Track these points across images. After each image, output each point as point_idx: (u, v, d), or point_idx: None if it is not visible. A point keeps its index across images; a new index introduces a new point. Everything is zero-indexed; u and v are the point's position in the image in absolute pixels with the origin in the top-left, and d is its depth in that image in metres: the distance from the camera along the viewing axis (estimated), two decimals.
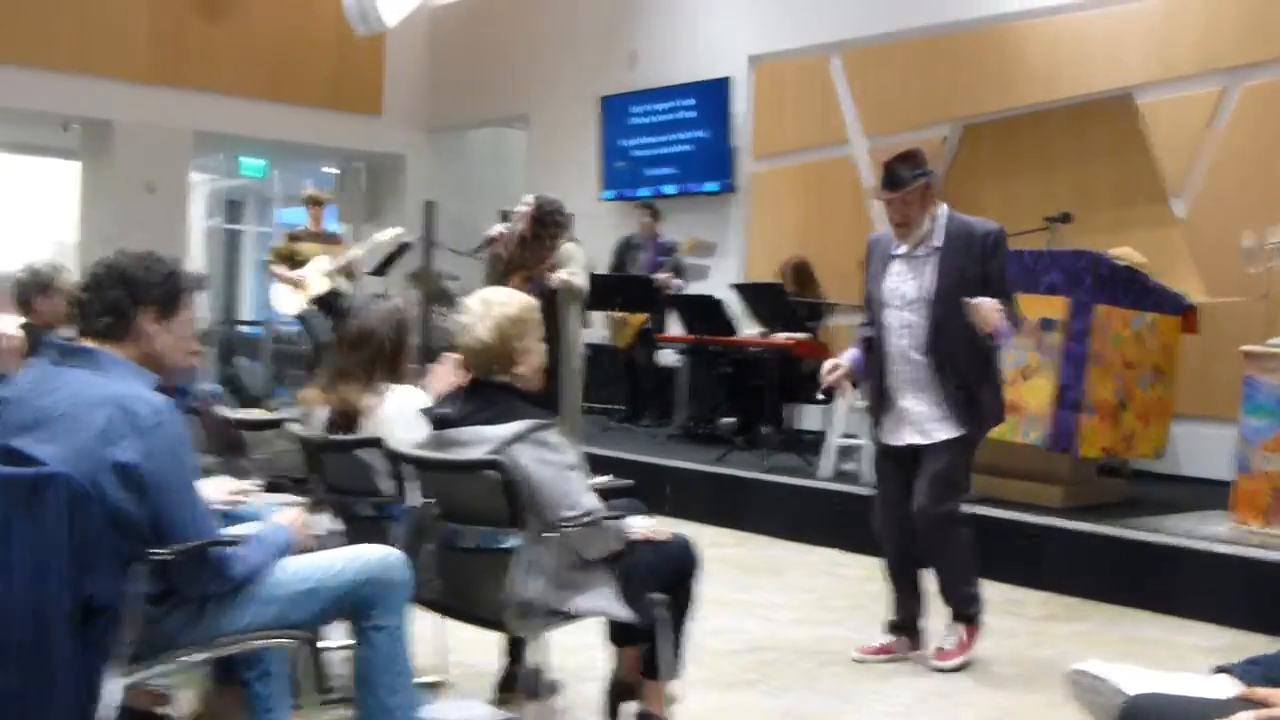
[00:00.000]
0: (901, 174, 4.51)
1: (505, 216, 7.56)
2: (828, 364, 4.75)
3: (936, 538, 4.62)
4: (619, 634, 3.67)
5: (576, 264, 6.25)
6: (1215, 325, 7.06)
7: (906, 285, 4.59)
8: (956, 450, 4.60)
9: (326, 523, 3.17)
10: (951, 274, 4.48)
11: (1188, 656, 4.79)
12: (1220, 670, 2.35)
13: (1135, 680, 2.33)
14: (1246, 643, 4.84)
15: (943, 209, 4.60)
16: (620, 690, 3.71)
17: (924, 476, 4.58)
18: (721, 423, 9.30)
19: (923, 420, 4.60)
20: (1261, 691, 2.08)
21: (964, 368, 4.54)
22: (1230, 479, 6.05)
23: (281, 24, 13.37)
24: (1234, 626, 5.32)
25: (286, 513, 3.10)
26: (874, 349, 4.71)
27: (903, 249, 4.61)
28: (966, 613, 4.72)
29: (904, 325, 4.59)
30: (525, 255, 6.31)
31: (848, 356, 4.74)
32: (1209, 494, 6.66)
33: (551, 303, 5.98)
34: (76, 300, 2.78)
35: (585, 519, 3.23)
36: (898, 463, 4.72)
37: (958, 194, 9.59)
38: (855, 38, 10.02)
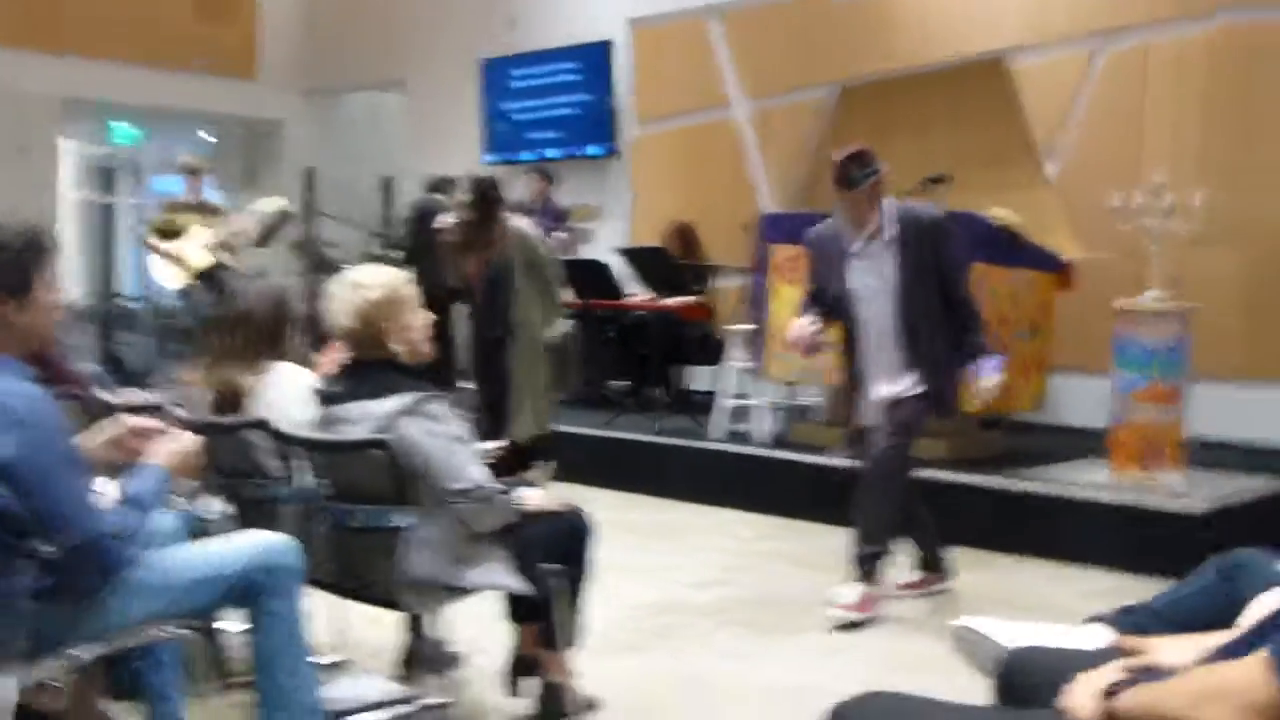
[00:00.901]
0: (854, 174, 4.67)
1: (437, 186, 7.41)
2: (800, 321, 4.87)
3: (876, 482, 4.79)
4: (517, 611, 3.70)
5: (539, 243, 6.10)
6: (1088, 281, 7.27)
7: (870, 279, 4.78)
8: (918, 407, 4.81)
9: (193, 442, 3.00)
10: (909, 264, 4.70)
11: (1070, 602, 4.97)
12: (1093, 620, 2.46)
13: (1013, 634, 2.43)
14: (1126, 585, 5.03)
15: (889, 200, 4.77)
16: (520, 666, 3.75)
17: (883, 425, 4.82)
18: (611, 386, 9.35)
19: (889, 395, 4.83)
20: (1131, 641, 2.18)
21: (935, 350, 4.76)
22: (1103, 428, 6.26)
23: None
24: (1114, 569, 5.52)
25: (158, 450, 2.89)
26: (848, 339, 4.95)
27: (858, 245, 4.79)
28: (872, 571, 4.79)
29: (874, 317, 4.81)
30: (474, 238, 6.11)
31: (812, 322, 4.87)
32: (1086, 443, 6.88)
33: (508, 281, 5.86)
34: None
35: (475, 494, 3.24)
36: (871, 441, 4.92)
37: None
38: (735, 1, 10.06)
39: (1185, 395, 6.02)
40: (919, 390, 4.77)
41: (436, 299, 9.37)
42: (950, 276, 4.78)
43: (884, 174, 4.74)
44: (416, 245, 8.72)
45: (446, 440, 3.25)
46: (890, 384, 4.81)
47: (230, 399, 3.68)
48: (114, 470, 2.87)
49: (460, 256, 6.15)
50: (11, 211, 2.79)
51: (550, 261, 6.00)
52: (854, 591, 4.74)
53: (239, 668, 3.56)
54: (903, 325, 4.77)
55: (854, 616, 4.69)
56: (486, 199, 6.01)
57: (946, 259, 4.77)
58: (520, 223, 6.07)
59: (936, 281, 4.73)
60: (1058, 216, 8.11)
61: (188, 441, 2.91)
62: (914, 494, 5.01)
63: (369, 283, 3.40)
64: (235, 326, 3.74)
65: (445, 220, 6.30)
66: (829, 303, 4.92)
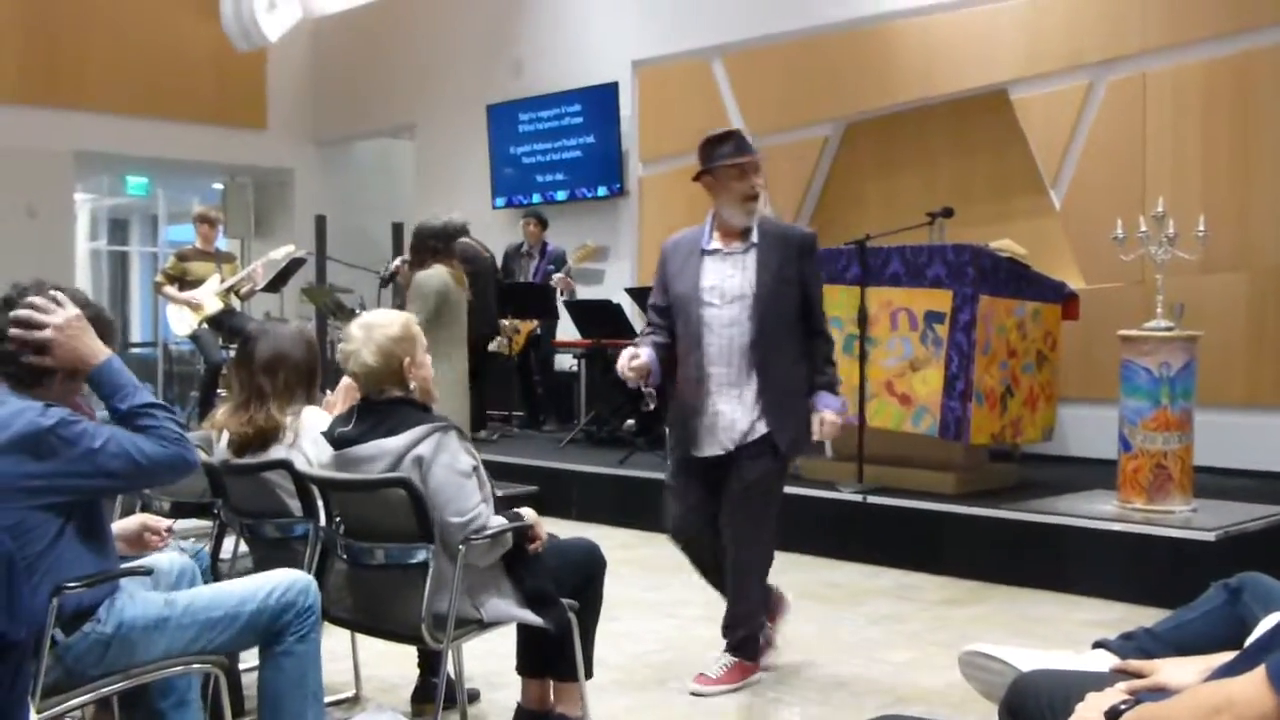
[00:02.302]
0: (747, 142, 4.37)
1: (397, 230, 7.84)
2: (626, 354, 4.28)
3: (743, 555, 4.34)
4: (526, 663, 3.75)
5: (418, 296, 6.31)
6: (1094, 311, 7.32)
7: (727, 282, 4.31)
8: (773, 464, 4.34)
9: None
10: (769, 270, 4.28)
11: (1080, 631, 4.98)
12: (1098, 645, 2.50)
13: (1022, 658, 2.47)
14: (1134, 615, 5.04)
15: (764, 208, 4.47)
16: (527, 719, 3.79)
17: (737, 487, 4.30)
18: (623, 425, 9.40)
19: (735, 426, 4.30)
20: (1135, 664, 2.22)
21: (786, 376, 4.32)
22: (1115, 458, 6.28)
23: (158, 40, 13.17)
24: (1123, 600, 5.54)
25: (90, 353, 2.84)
26: (681, 355, 4.39)
27: (715, 244, 4.36)
28: (746, 645, 4.41)
29: (725, 324, 4.30)
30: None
31: (645, 351, 4.32)
32: (1096, 473, 6.89)
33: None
34: None
35: (473, 526, 3.30)
36: (702, 478, 4.40)
37: (841, 192, 9.83)
38: (736, 40, 10.17)
39: (1193, 423, 6.05)
40: (765, 435, 4.27)
41: (473, 341, 9.58)
42: (811, 293, 4.36)
43: (759, 160, 4.38)
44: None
45: (454, 473, 3.32)
46: (732, 407, 4.30)
47: (256, 438, 3.73)
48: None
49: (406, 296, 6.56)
50: (31, 267, 2.89)
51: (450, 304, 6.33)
52: (723, 663, 4.39)
53: (252, 705, 3.60)
54: (756, 328, 4.27)
55: (715, 689, 4.32)
56: (423, 247, 6.51)
57: (809, 274, 4.37)
58: (423, 275, 6.38)
59: (795, 293, 4.31)
60: (1062, 246, 8.17)
61: (63, 315, 2.81)
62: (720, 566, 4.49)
63: (386, 321, 3.48)
64: (272, 367, 3.79)
65: (398, 262, 6.99)
66: (668, 319, 4.42)
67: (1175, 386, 5.96)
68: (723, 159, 4.33)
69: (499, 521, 3.40)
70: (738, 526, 4.33)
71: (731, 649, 4.41)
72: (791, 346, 4.34)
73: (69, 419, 2.67)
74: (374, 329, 3.44)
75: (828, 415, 4.33)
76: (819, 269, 4.50)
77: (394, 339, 3.42)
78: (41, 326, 2.73)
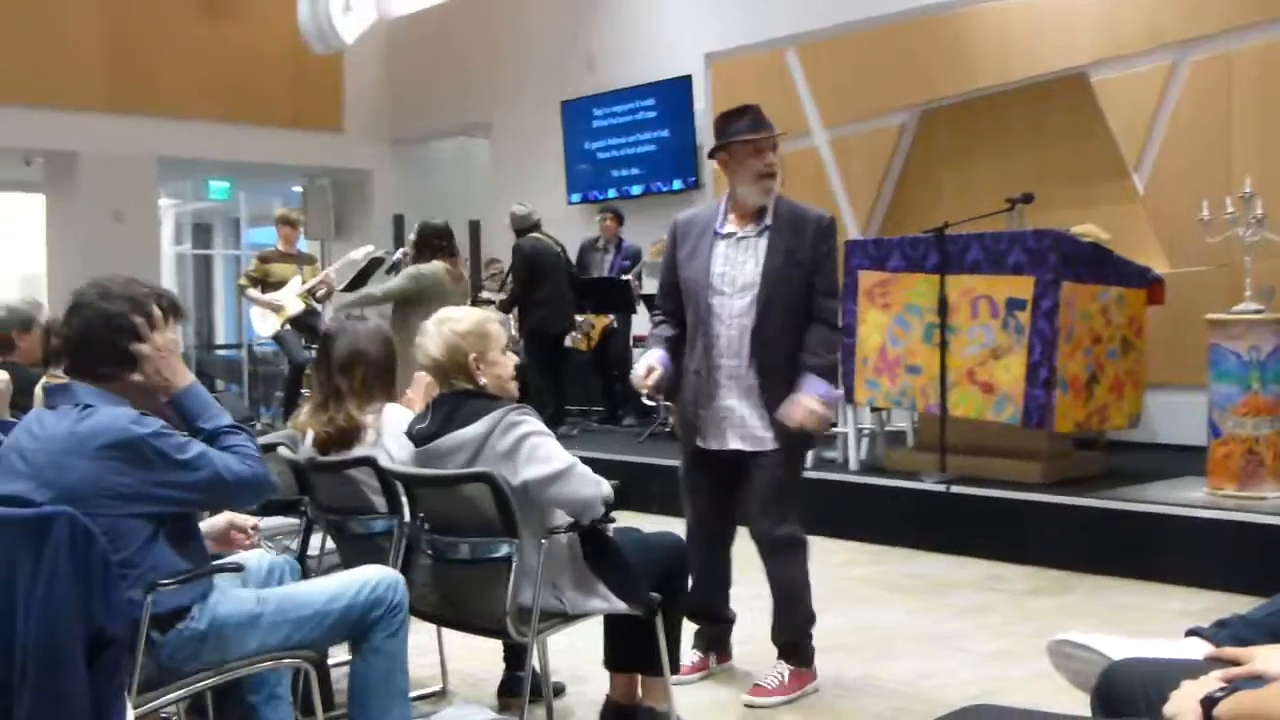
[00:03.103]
0: (764, 118, 4.15)
1: (474, 228, 8.09)
2: (642, 368, 4.17)
3: (780, 563, 4.23)
4: (613, 657, 3.76)
5: (404, 276, 6.98)
6: (1180, 295, 7.17)
7: (739, 270, 4.13)
8: (791, 462, 4.19)
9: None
10: (779, 254, 4.08)
11: (1170, 621, 4.90)
12: (1191, 633, 2.45)
13: (1113, 647, 2.43)
14: (1226, 604, 4.93)
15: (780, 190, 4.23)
16: (615, 715, 3.80)
17: (759, 494, 4.15)
18: None
19: (747, 422, 4.13)
20: (1230, 651, 2.17)
21: (787, 371, 4.08)
22: (1204, 445, 6.16)
23: (239, 45, 13.39)
24: (1214, 589, 5.42)
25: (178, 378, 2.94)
26: (690, 340, 4.22)
27: (730, 227, 4.19)
28: (797, 651, 4.28)
29: (736, 314, 4.11)
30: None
31: (659, 359, 4.19)
32: (1185, 460, 6.78)
33: None
34: (74, 347, 2.82)
35: (572, 470, 3.32)
36: (714, 473, 4.26)
37: (918, 180, 9.74)
38: (809, 30, 10.11)
39: None
40: (786, 444, 4.10)
41: (550, 337, 9.66)
42: (824, 279, 4.14)
43: (775, 138, 4.18)
44: (530, 287, 9.01)
45: (530, 434, 3.32)
46: (742, 403, 4.13)
47: (338, 437, 3.78)
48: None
49: None
50: (120, 269, 2.96)
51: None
52: (776, 673, 4.26)
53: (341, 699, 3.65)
54: (759, 318, 4.08)
55: (770, 701, 4.17)
56: (426, 244, 6.97)
57: (824, 258, 4.14)
58: (436, 265, 6.91)
59: (806, 279, 4.10)
60: (1146, 230, 8.02)
61: (161, 341, 2.89)
62: (727, 559, 4.44)
63: (458, 317, 3.51)
64: (353, 366, 3.83)
65: (401, 253, 7.38)
66: (678, 303, 4.26)
67: (1266, 371, 5.84)
68: (737, 135, 4.14)
69: (591, 474, 3.38)
70: (772, 536, 4.19)
71: (785, 656, 4.28)
72: (796, 337, 4.10)
73: (164, 431, 2.73)
74: (444, 323, 3.47)
75: (805, 400, 4.00)
76: (834, 254, 4.21)
77: (460, 334, 3.44)
78: (140, 339, 2.80)
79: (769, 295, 4.07)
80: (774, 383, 4.08)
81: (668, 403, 4.02)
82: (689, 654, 4.38)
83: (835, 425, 4.17)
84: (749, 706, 4.17)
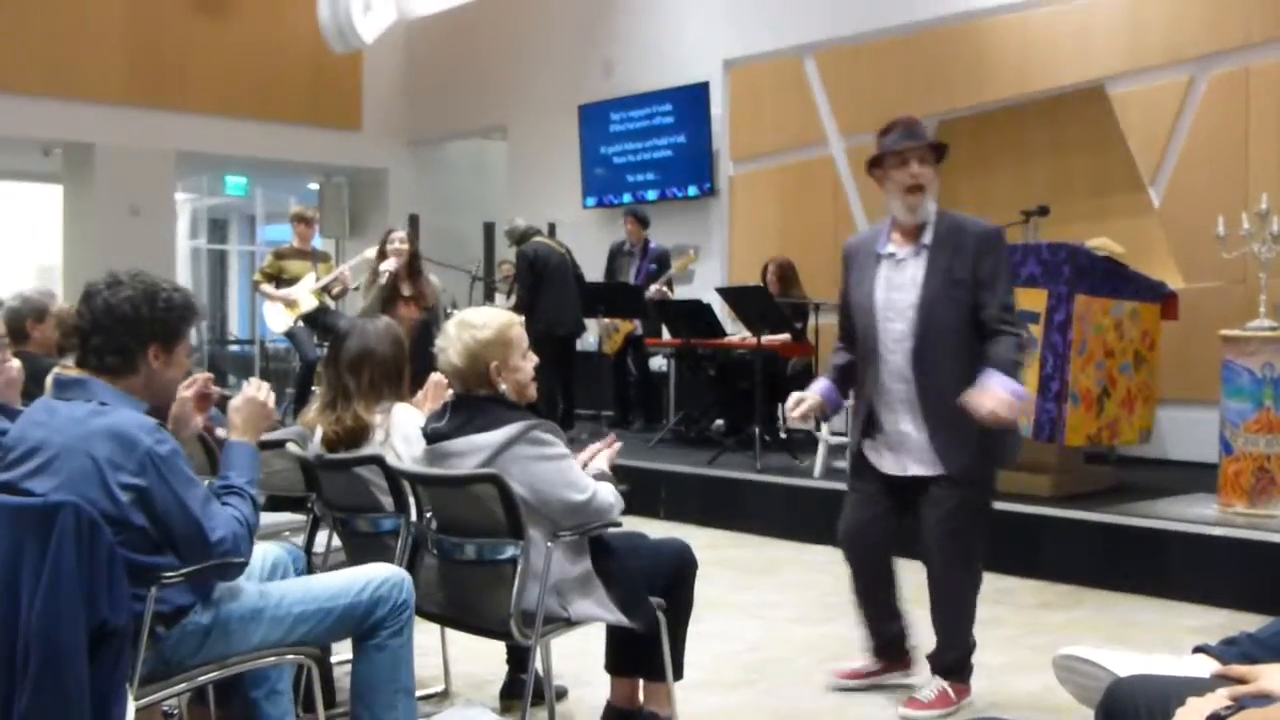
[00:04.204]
0: (917, 129, 4.06)
1: (489, 230, 8.25)
2: (792, 399, 4.20)
3: (952, 579, 4.15)
4: (616, 661, 3.75)
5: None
6: (1194, 311, 7.15)
7: (898, 293, 4.05)
8: (971, 497, 4.07)
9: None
10: (937, 275, 3.97)
11: (1179, 638, 4.87)
12: (1199, 650, 2.43)
13: (1120, 662, 2.41)
14: (1236, 621, 4.91)
15: (933, 206, 4.07)
16: (615, 718, 3.79)
17: (935, 516, 4.07)
18: (712, 425, 9.38)
19: (920, 449, 4.06)
20: (1238, 669, 2.16)
21: (951, 395, 3.91)
22: (1215, 461, 6.13)
23: (259, 42, 13.44)
24: (1224, 606, 5.40)
25: (234, 422, 3.02)
26: (860, 365, 4.18)
27: (890, 248, 4.10)
28: (957, 668, 4.22)
29: (898, 339, 4.03)
30: (412, 285, 7.69)
31: (816, 389, 4.23)
32: (1196, 477, 6.75)
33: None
34: (83, 337, 2.82)
35: (598, 499, 3.35)
36: (886, 493, 4.19)
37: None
38: (828, 39, 10.12)
39: None
40: (967, 468, 4.01)
41: (558, 339, 9.72)
42: (989, 293, 3.96)
43: (925, 147, 4.04)
44: (535, 290, 9.03)
45: (555, 460, 3.33)
46: (913, 428, 4.04)
47: (346, 436, 3.77)
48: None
49: (389, 299, 7.49)
50: (134, 264, 2.96)
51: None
52: (933, 686, 4.21)
53: (343, 696, 3.65)
54: (916, 343, 3.98)
55: (935, 714, 4.12)
56: (418, 254, 7.53)
57: (988, 273, 3.97)
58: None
59: (967, 297, 3.96)
60: (1161, 245, 7.99)
61: (251, 391, 3.00)
62: (893, 573, 4.36)
63: (479, 322, 3.47)
64: (361, 365, 3.82)
65: (389, 266, 7.66)
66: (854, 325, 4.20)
67: (1279, 388, 5.81)
68: (887, 149, 4.04)
69: (610, 490, 3.43)
70: (945, 555, 4.10)
71: (942, 672, 4.19)
72: (960, 358, 3.96)
73: (176, 454, 2.71)
74: (465, 329, 3.43)
75: (995, 389, 3.82)
76: (1002, 265, 4.03)
77: (483, 342, 3.40)
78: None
79: (927, 319, 3.97)
80: (938, 406, 3.97)
81: (817, 431, 4.08)
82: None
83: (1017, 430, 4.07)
84: (904, 719, 4.13)
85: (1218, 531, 5.73)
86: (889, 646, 4.39)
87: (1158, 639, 4.94)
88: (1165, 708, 1.97)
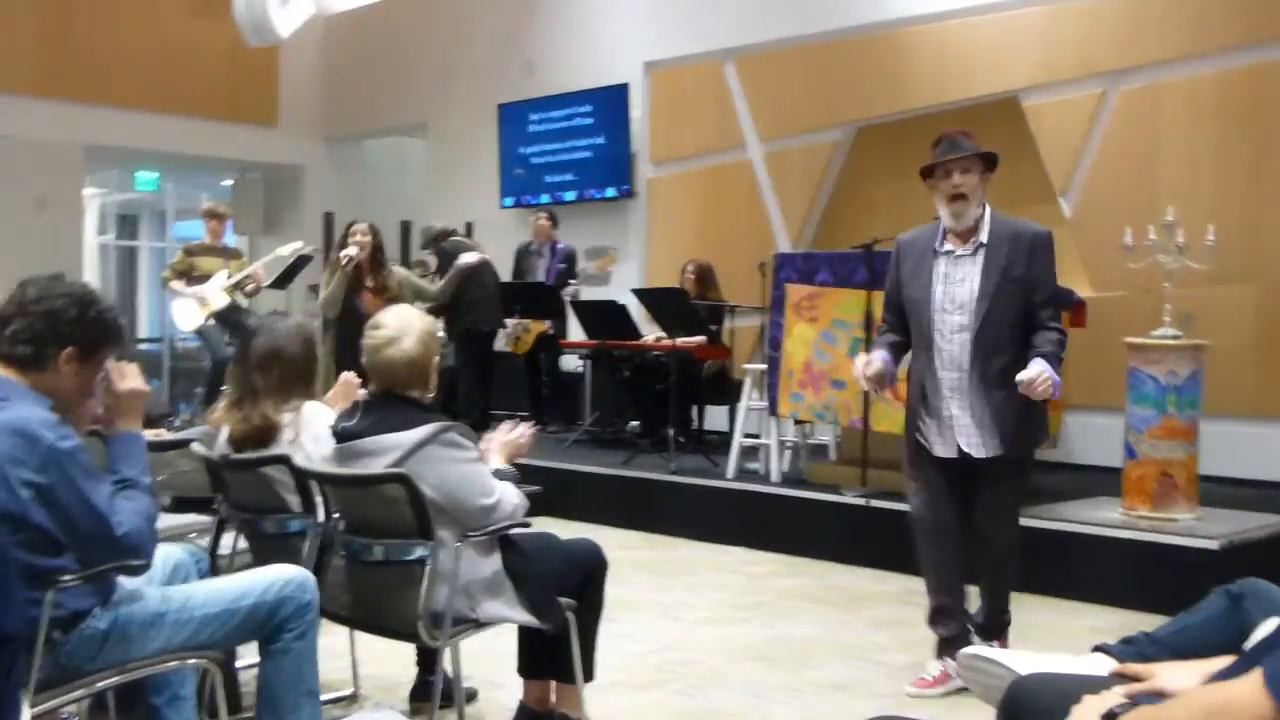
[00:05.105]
0: (964, 142, 4.43)
1: (406, 229, 8.23)
2: (861, 358, 4.47)
3: (998, 568, 4.51)
4: (528, 663, 3.74)
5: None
6: (1102, 319, 7.29)
7: (957, 288, 4.32)
8: (1017, 474, 4.46)
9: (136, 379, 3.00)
10: (995, 274, 4.27)
11: (1080, 638, 4.95)
12: (1098, 649, 2.48)
13: (1020, 662, 2.45)
14: (1137, 622, 4.96)
15: (985, 208, 4.39)
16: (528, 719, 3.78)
17: (987, 503, 4.40)
18: (627, 426, 9.39)
19: (971, 432, 4.33)
20: (1134, 667, 2.20)
21: (1010, 379, 4.19)
22: (1120, 466, 6.25)
23: (173, 35, 13.18)
24: (1124, 607, 5.51)
25: (122, 410, 2.95)
26: (915, 353, 4.48)
27: (948, 246, 4.37)
28: (1004, 628, 4.60)
29: (955, 329, 4.31)
30: (375, 275, 7.73)
31: (879, 356, 4.44)
32: (1101, 481, 6.87)
33: None
34: (3, 322, 2.74)
35: (503, 506, 3.35)
36: (945, 475, 4.43)
37: (851, 196, 9.82)
38: (749, 44, 10.17)
39: (1199, 432, 6.02)
40: (1013, 455, 4.34)
41: (482, 335, 9.74)
42: (1043, 292, 4.30)
43: (969, 158, 4.40)
44: (459, 288, 9.03)
45: (465, 464, 3.32)
46: (965, 412, 4.31)
47: (254, 435, 3.71)
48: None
49: (352, 289, 7.61)
50: (39, 259, 2.90)
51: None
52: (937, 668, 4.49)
53: (249, 701, 3.59)
54: (977, 334, 4.26)
55: (934, 691, 4.39)
56: (381, 244, 7.61)
57: (1041, 274, 4.31)
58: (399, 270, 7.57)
59: (1023, 295, 4.27)
60: (1071, 254, 8.12)
61: (124, 383, 2.92)
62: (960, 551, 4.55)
63: (420, 316, 3.49)
64: (270, 364, 3.76)
65: (350, 253, 7.71)
66: (901, 317, 4.50)
67: (1182, 395, 5.94)
68: (937, 160, 4.41)
69: (515, 492, 3.44)
70: (996, 526, 4.43)
71: (995, 634, 4.54)
72: (1014, 348, 4.27)
73: (78, 451, 2.64)
74: (412, 321, 3.43)
75: (1044, 372, 4.10)
76: (1052, 266, 4.40)
77: (430, 334, 3.45)
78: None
79: (987, 312, 4.26)
80: (993, 392, 4.27)
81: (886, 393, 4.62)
82: (932, 665, 4.50)
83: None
84: (910, 696, 4.36)
85: (1120, 534, 5.84)
86: (957, 642, 4.46)
87: (1060, 639, 5.02)
88: (1065, 705, 2.01)
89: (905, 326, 4.50)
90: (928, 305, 4.36)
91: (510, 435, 3.74)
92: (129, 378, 2.90)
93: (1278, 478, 7.23)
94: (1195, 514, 5.98)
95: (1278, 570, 2.95)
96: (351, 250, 7.67)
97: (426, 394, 3.47)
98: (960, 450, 4.34)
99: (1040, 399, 4.18)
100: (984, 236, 4.33)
